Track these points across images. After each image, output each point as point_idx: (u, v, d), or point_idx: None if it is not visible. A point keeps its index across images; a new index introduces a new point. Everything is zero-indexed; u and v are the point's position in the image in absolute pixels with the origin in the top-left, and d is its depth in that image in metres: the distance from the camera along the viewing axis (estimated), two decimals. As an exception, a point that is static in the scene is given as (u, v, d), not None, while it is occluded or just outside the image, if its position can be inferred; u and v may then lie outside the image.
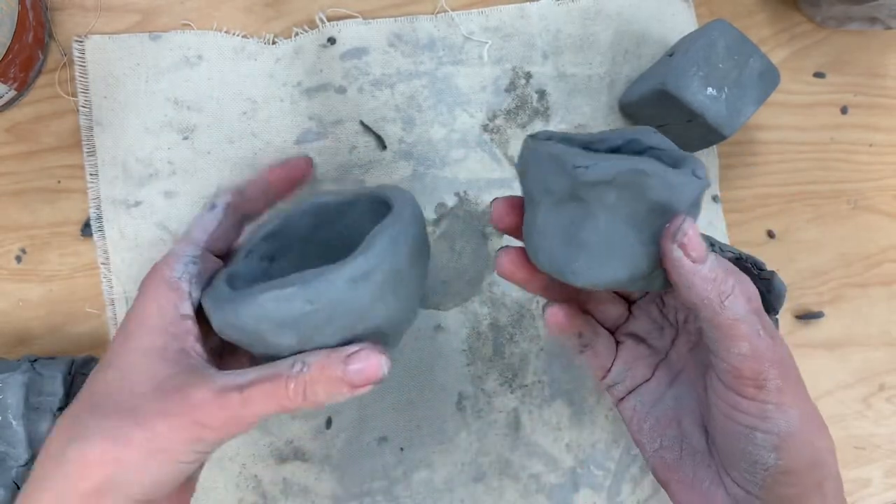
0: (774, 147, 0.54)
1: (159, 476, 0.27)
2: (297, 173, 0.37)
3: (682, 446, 0.34)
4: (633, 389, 0.36)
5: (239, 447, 0.45)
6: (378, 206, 0.34)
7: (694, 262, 0.27)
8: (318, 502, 0.46)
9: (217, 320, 0.29)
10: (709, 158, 0.52)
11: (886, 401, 0.54)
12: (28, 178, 0.45)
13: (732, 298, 0.28)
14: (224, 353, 0.34)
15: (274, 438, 0.46)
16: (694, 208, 0.28)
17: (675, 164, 0.28)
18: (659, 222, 0.28)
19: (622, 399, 0.37)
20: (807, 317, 0.53)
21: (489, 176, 0.49)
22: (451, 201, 0.48)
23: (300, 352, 0.28)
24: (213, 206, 0.34)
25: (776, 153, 0.54)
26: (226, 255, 0.35)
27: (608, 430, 0.49)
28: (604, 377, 0.37)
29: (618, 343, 0.37)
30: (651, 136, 0.31)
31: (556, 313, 0.34)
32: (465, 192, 0.48)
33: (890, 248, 0.55)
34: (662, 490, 0.50)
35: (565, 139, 0.32)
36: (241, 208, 0.35)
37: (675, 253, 0.27)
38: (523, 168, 0.31)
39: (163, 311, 0.30)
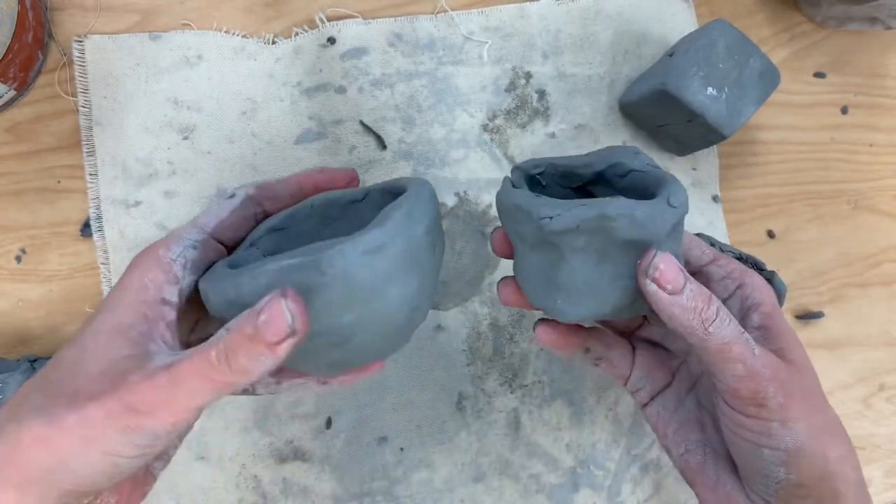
0: (774, 147, 0.54)
1: (95, 468, 0.24)
2: (338, 185, 0.34)
3: (706, 450, 0.34)
4: (656, 395, 0.36)
5: (239, 447, 0.45)
6: (390, 200, 0.32)
7: (670, 294, 0.27)
8: (318, 502, 0.46)
9: (215, 298, 0.27)
10: (709, 158, 0.52)
11: (886, 401, 0.54)
12: (28, 178, 0.45)
13: (717, 323, 0.28)
14: None
15: (274, 438, 0.46)
16: (672, 236, 0.28)
17: (653, 189, 0.28)
18: (634, 255, 0.28)
19: (646, 405, 0.36)
20: (807, 317, 0.53)
21: (489, 176, 0.49)
22: (451, 201, 0.48)
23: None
24: (231, 195, 0.33)
25: (776, 153, 0.54)
26: (233, 248, 0.33)
27: (608, 430, 0.49)
28: (625, 383, 0.37)
29: (634, 349, 0.37)
30: (633, 157, 0.31)
31: (546, 331, 0.34)
32: (465, 192, 0.48)
33: (890, 248, 0.55)
34: (662, 490, 0.50)
35: (551, 165, 0.32)
36: (262, 204, 0.33)
37: (650, 287, 0.27)
38: (498, 213, 0.31)
39: (142, 290, 0.27)
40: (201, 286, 0.29)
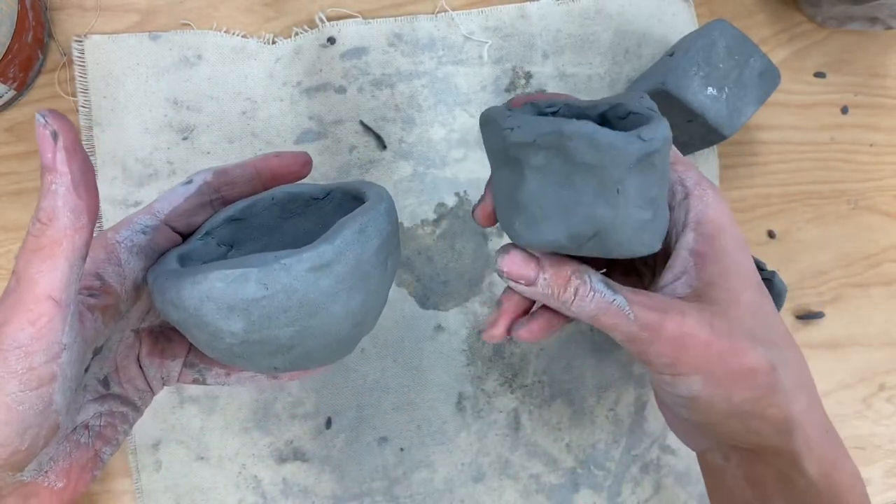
0: (774, 147, 0.54)
1: None
2: (292, 168, 0.33)
3: None
4: None
5: (239, 447, 0.45)
6: (352, 203, 0.32)
7: (526, 286, 0.28)
8: (317, 502, 0.46)
9: (159, 298, 0.27)
10: (709, 158, 0.52)
11: (886, 401, 0.54)
12: (28, 178, 0.45)
13: (577, 303, 0.28)
14: (161, 337, 0.32)
15: (274, 438, 0.46)
16: (640, 169, 0.26)
17: (638, 125, 0.27)
18: (595, 184, 0.27)
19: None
20: (807, 317, 0.53)
21: (489, 176, 0.49)
22: (451, 201, 0.48)
23: (245, 342, 0.26)
24: (188, 181, 0.32)
25: (776, 153, 0.54)
26: (188, 235, 0.32)
27: (608, 430, 0.49)
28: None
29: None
30: (636, 100, 0.30)
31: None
32: (465, 192, 0.48)
33: (890, 248, 0.55)
34: (662, 490, 0.50)
35: (566, 105, 0.32)
36: (220, 190, 0.32)
37: (507, 282, 0.28)
38: (480, 129, 0.31)
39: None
40: (148, 276, 0.28)
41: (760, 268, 0.45)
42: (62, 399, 0.24)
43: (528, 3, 0.50)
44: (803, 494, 0.29)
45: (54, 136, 0.22)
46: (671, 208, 0.31)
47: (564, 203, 0.27)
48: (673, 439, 0.50)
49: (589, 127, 0.26)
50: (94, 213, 0.24)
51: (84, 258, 0.24)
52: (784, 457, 0.29)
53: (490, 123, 0.29)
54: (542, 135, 0.26)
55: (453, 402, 0.48)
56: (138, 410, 0.31)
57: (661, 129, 0.27)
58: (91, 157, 0.45)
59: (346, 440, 0.46)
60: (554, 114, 0.32)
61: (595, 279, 0.28)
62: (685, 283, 0.30)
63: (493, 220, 0.31)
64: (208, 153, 0.46)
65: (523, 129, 0.27)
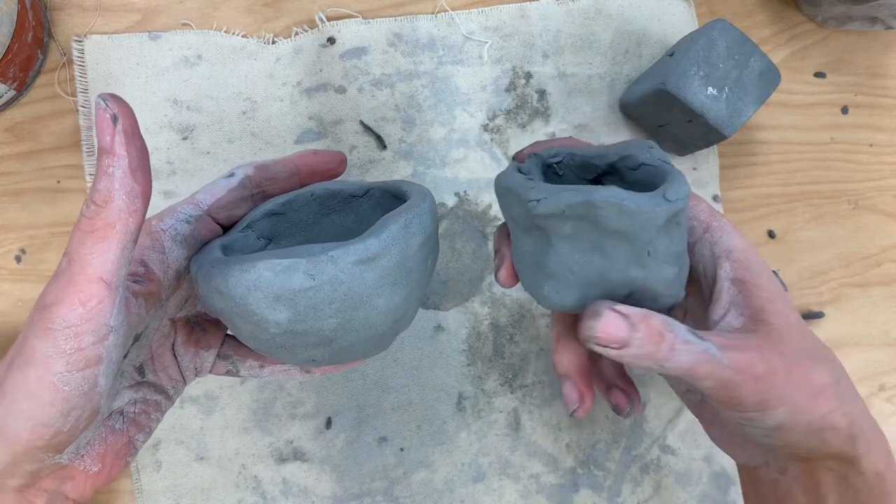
0: (774, 147, 0.54)
1: (37, 395, 0.23)
2: (328, 165, 0.34)
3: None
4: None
5: (239, 447, 0.45)
6: (391, 202, 0.32)
7: (620, 348, 0.26)
8: (318, 502, 0.46)
9: (204, 286, 0.27)
10: (709, 158, 0.52)
11: (886, 401, 0.54)
12: (28, 178, 0.45)
13: (674, 359, 0.26)
14: (196, 328, 0.32)
15: (274, 439, 0.46)
16: (667, 230, 0.27)
17: (660, 182, 0.28)
18: (627, 248, 0.27)
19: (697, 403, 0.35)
20: (807, 317, 0.53)
21: (489, 176, 0.49)
22: (451, 201, 0.48)
23: (288, 332, 0.26)
24: (230, 174, 0.32)
25: (776, 153, 0.54)
26: (228, 227, 0.32)
27: (608, 430, 0.49)
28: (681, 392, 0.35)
29: None
30: (646, 151, 0.30)
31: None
32: (465, 192, 0.48)
33: (890, 248, 0.55)
34: (662, 490, 0.50)
35: (570, 155, 0.32)
36: (260, 185, 0.33)
37: (595, 347, 0.26)
38: (497, 197, 0.31)
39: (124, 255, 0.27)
40: (192, 265, 0.28)
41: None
42: (105, 382, 0.25)
43: (528, 3, 0.50)
44: (858, 493, 0.29)
45: (114, 119, 0.22)
46: (692, 244, 0.31)
47: (597, 268, 0.28)
48: (673, 439, 0.50)
49: (618, 194, 0.26)
50: (147, 198, 0.24)
51: (135, 242, 0.24)
52: (846, 460, 0.29)
53: (510, 194, 0.29)
54: (570, 206, 0.26)
55: (453, 402, 0.48)
56: (170, 399, 0.32)
57: (683, 188, 0.27)
58: (91, 158, 0.45)
59: (346, 440, 0.46)
60: (557, 164, 0.33)
61: (682, 329, 0.27)
62: (736, 314, 0.29)
63: (516, 280, 0.32)
64: (208, 153, 0.46)
65: (550, 200, 0.27)
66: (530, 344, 0.48)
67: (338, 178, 0.35)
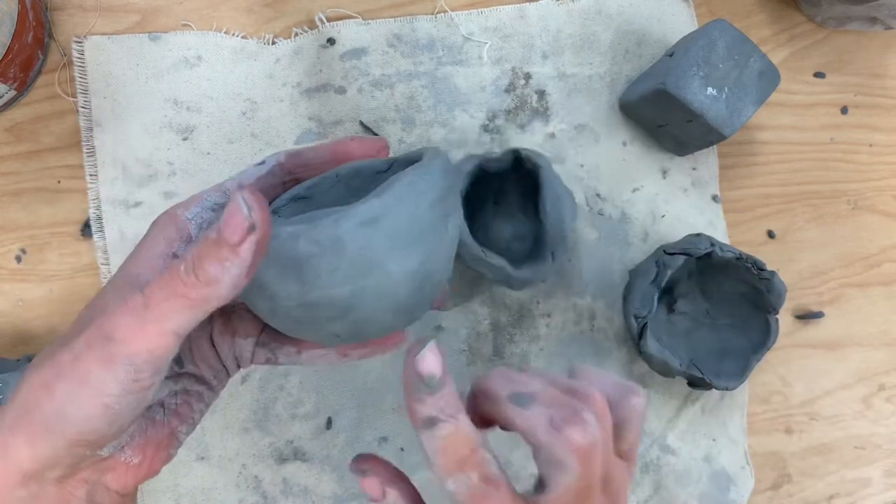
0: (774, 147, 0.54)
1: (88, 411, 0.23)
2: (370, 153, 0.32)
3: None
4: None
5: (239, 447, 0.45)
6: None
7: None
8: (318, 502, 0.46)
9: None
10: (709, 158, 0.52)
11: (886, 401, 0.54)
12: (28, 178, 0.45)
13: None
14: (234, 316, 0.32)
15: (274, 439, 0.46)
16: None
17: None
18: None
19: None
20: (807, 317, 0.53)
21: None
22: (450, 201, 0.48)
23: (301, 305, 0.25)
24: (261, 162, 0.31)
25: (776, 153, 0.54)
26: None
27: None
28: None
29: None
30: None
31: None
32: (464, 192, 0.48)
33: (890, 248, 0.55)
34: (663, 490, 0.50)
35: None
36: (293, 172, 0.32)
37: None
38: None
39: (154, 245, 0.27)
40: None
41: (760, 268, 0.45)
42: (154, 397, 0.25)
43: (527, 3, 0.50)
44: None
45: (251, 228, 0.22)
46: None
47: None
48: (673, 439, 0.50)
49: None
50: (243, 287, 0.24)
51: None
52: None
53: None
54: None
55: (453, 402, 0.47)
56: (214, 391, 0.31)
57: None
58: (91, 158, 0.45)
59: (346, 440, 0.46)
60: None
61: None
62: None
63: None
64: (208, 154, 0.46)
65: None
66: (530, 344, 0.48)
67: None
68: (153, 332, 0.23)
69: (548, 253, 0.44)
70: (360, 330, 0.28)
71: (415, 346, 0.25)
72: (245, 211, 0.22)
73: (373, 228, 0.24)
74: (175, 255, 0.27)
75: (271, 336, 0.33)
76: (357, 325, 0.27)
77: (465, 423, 0.26)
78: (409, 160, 0.31)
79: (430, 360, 0.25)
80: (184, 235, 0.28)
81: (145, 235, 0.28)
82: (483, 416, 0.30)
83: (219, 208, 0.30)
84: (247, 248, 0.22)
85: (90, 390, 0.23)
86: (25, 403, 0.24)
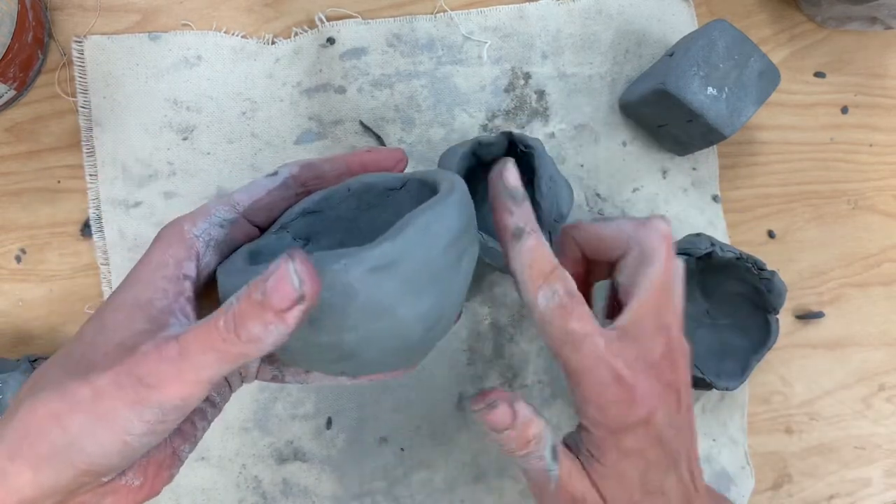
0: (774, 147, 0.54)
1: (106, 446, 0.23)
2: (385, 165, 0.31)
3: None
4: None
5: (239, 448, 0.45)
6: (428, 195, 0.29)
7: (497, 432, 0.29)
8: (318, 502, 0.46)
9: (225, 297, 0.26)
10: (709, 158, 0.52)
11: (886, 401, 0.54)
12: (28, 178, 0.45)
13: (525, 463, 0.29)
14: None
15: (274, 439, 0.46)
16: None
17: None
18: None
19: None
20: (807, 317, 0.53)
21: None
22: (450, 201, 0.48)
23: (307, 346, 0.25)
24: (273, 173, 0.30)
25: (776, 153, 0.54)
26: (266, 228, 0.31)
27: (608, 431, 0.49)
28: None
29: None
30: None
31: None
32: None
33: (890, 248, 0.55)
34: (662, 490, 0.50)
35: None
36: (306, 184, 0.31)
37: (478, 419, 0.28)
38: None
39: (162, 266, 0.26)
40: (218, 274, 0.27)
41: (760, 268, 0.45)
42: (187, 447, 0.26)
43: (527, 3, 0.50)
44: None
45: (300, 298, 0.21)
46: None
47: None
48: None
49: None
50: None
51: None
52: None
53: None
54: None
55: (453, 402, 0.48)
56: (216, 407, 0.31)
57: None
58: (91, 158, 0.45)
59: (346, 440, 0.46)
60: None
61: (547, 448, 0.29)
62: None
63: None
64: (208, 153, 0.46)
65: None
66: (530, 344, 0.48)
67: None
68: (189, 383, 0.23)
69: (546, 234, 0.44)
70: (366, 369, 0.27)
71: (498, 163, 0.27)
72: (295, 283, 0.21)
73: (385, 274, 0.23)
74: (185, 276, 0.27)
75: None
76: (365, 365, 0.26)
77: (544, 241, 0.28)
78: (423, 182, 0.30)
79: (514, 173, 0.27)
80: (192, 254, 0.27)
81: (150, 249, 0.27)
82: (567, 254, 0.32)
83: (227, 224, 0.29)
84: (294, 316, 0.21)
85: (112, 427, 0.23)
86: (26, 430, 0.23)
